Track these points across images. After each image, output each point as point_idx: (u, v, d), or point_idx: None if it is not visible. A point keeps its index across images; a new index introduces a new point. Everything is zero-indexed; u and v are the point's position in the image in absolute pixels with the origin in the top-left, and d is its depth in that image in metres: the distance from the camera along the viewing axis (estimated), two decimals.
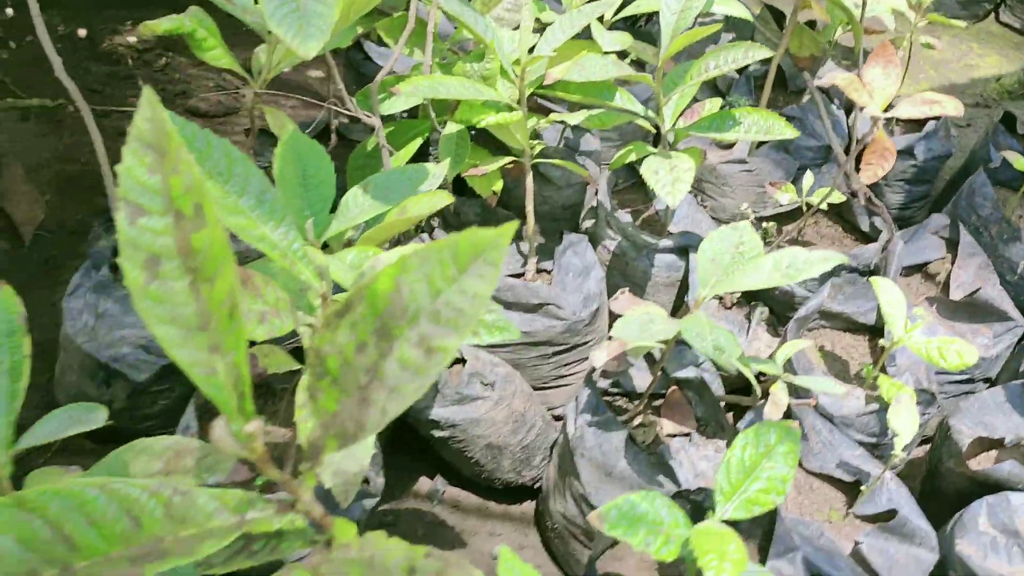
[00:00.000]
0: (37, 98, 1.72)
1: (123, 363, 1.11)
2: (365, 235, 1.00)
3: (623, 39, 1.27)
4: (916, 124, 1.71)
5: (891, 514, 1.04)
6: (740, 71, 1.76)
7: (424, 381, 0.54)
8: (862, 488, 1.05)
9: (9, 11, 1.89)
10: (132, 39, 1.89)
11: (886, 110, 1.11)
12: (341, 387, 0.56)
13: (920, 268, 1.43)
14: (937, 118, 1.65)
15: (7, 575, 0.53)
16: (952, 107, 1.08)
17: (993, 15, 2.63)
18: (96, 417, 0.71)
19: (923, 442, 1.35)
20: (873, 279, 1.14)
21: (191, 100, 1.83)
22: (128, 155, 0.52)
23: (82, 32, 1.89)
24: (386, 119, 1.30)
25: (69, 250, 1.50)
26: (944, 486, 1.18)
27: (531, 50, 1.23)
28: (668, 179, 1.18)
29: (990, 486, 1.10)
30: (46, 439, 0.71)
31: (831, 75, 1.10)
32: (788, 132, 1.17)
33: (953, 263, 1.38)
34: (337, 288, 0.92)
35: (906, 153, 1.61)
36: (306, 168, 1.05)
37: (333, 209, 1.05)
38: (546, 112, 1.47)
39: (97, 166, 1.67)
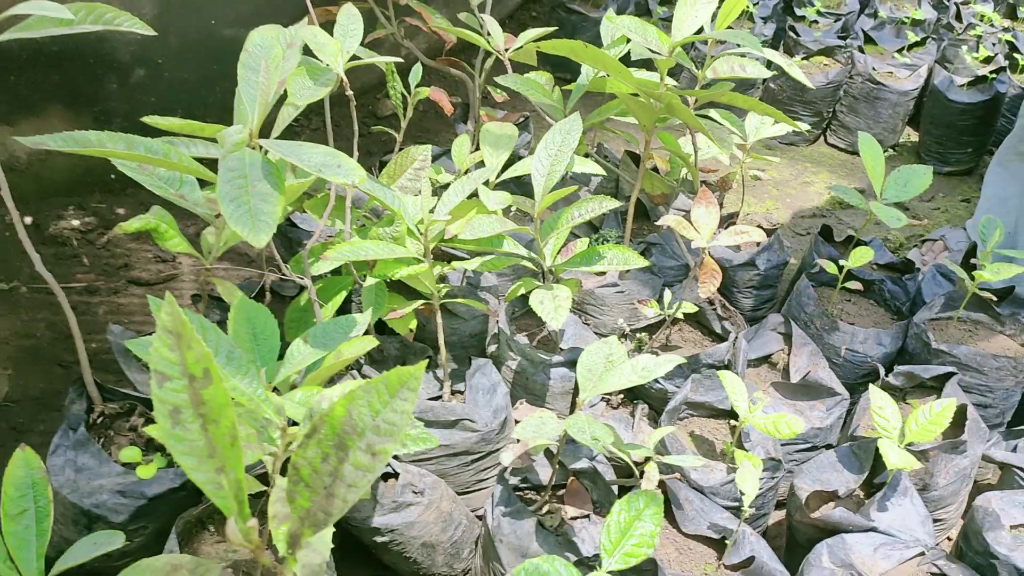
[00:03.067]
0: None
1: (104, 508, 1.29)
2: (308, 377, 1.23)
3: (504, 198, 1.57)
4: (755, 243, 2.06)
5: (751, 561, 1.29)
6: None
7: (372, 476, 0.79)
8: (727, 542, 1.31)
9: None
10: (75, 222, 2.11)
11: (710, 240, 1.44)
12: (312, 488, 0.80)
13: (765, 359, 1.73)
14: (771, 232, 2.00)
15: None
16: (757, 235, 1.40)
17: (823, 138, 3.10)
18: (115, 540, 0.91)
19: (781, 506, 1.62)
20: (720, 372, 1.42)
21: (133, 271, 2.05)
22: (156, 339, 0.77)
23: (28, 219, 2.10)
24: (315, 278, 1.55)
25: (34, 416, 1.67)
26: (797, 537, 1.44)
27: (432, 210, 1.51)
28: (551, 307, 1.46)
29: (830, 531, 1.37)
30: (76, 562, 0.90)
31: (665, 218, 1.42)
32: (640, 262, 1.48)
33: (789, 353, 1.69)
34: (290, 421, 1.14)
35: (749, 264, 1.95)
36: (254, 326, 1.29)
37: (280, 357, 1.28)
38: (449, 259, 1.76)
39: (51, 340, 1.87)
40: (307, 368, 1.32)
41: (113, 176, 2.25)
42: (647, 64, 2.07)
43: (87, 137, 1.20)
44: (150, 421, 1.44)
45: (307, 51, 1.48)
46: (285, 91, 1.38)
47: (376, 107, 2.79)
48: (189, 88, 2.20)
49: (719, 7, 1.75)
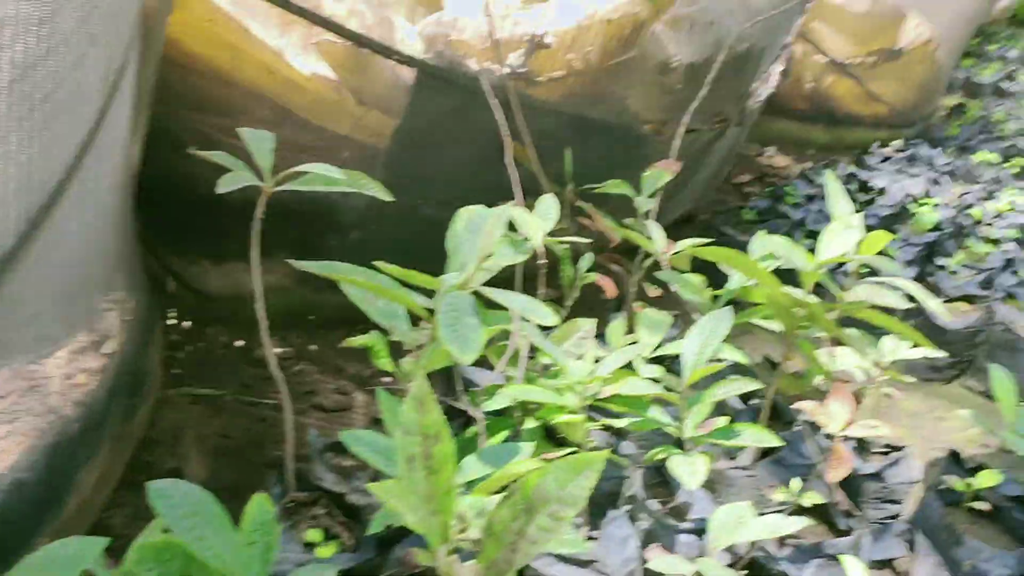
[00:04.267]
0: (205, 388, 2.25)
1: None
2: (478, 487, 1.43)
3: (657, 370, 1.79)
4: (883, 455, 2.16)
5: None
6: (744, 404, 2.26)
7: (552, 536, 0.97)
8: None
9: (187, 324, 2.50)
10: (276, 350, 2.46)
11: (843, 430, 1.59)
12: (500, 542, 0.99)
13: (888, 563, 1.79)
14: (900, 449, 2.10)
15: None
16: (886, 429, 1.55)
17: (958, 380, 3.17)
18: (329, 572, 1.11)
19: None
20: (841, 557, 1.52)
21: (316, 398, 2.35)
22: (407, 404, 1.01)
23: (240, 342, 2.47)
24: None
25: (224, 501, 1.92)
26: None
27: (590, 373, 1.74)
28: (689, 469, 1.63)
29: None
30: None
31: (802, 403, 1.59)
32: (775, 440, 1.64)
33: (913, 561, 1.75)
34: None
35: (876, 476, 2.04)
36: None
37: None
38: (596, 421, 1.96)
39: (246, 443, 2.16)
40: (472, 482, 1.53)
41: (311, 317, 2.62)
42: (785, 283, 2.30)
43: (336, 266, 1.53)
44: (330, 514, 1.66)
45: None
46: None
47: (525, 288, 3.12)
48: (390, 253, 2.57)
49: (864, 238, 1.99)
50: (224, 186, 1.51)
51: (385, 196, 1.73)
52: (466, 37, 2.44)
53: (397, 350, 1.85)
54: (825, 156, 5.84)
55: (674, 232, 4.13)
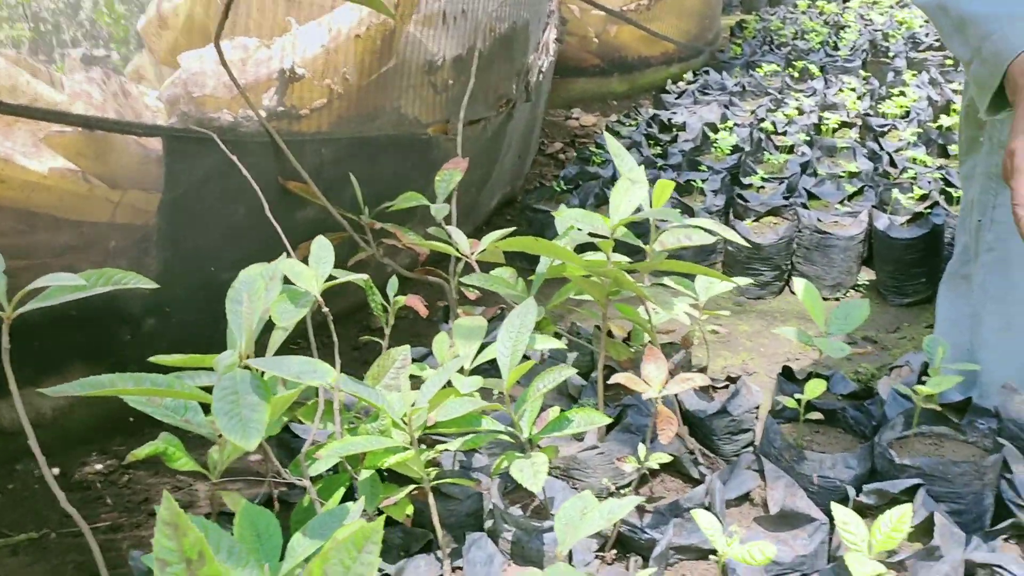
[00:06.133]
0: (23, 534, 2.05)
1: None
2: (309, 565, 1.35)
3: (475, 381, 1.75)
4: (725, 389, 2.21)
5: None
6: (586, 378, 2.26)
7: None
8: None
9: None
10: (99, 466, 2.28)
11: (660, 391, 1.59)
12: None
13: (745, 497, 1.83)
14: (736, 380, 2.15)
15: None
16: (700, 379, 1.56)
17: (788, 289, 3.30)
18: None
19: None
20: (693, 512, 1.53)
21: (153, 504, 2.19)
22: (158, 532, 0.92)
23: (55, 470, 2.27)
24: (315, 479, 1.70)
25: None
26: None
27: (414, 403, 1.68)
28: (530, 473, 1.59)
29: None
30: None
31: (616, 376, 1.58)
32: (603, 420, 1.62)
33: (766, 488, 1.79)
34: None
35: (722, 412, 2.08)
36: (258, 528, 1.42)
37: (282, 557, 1.41)
38: (432, 444, 1.90)
39: None
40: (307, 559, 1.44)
41: (132, 418, 2.44)
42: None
43: (100, 380, 1.41)
44: None
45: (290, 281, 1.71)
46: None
47: (369, 321, 3.03)
48: (195, 328, 2.44)
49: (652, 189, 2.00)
50: None
51: (148, 285, 1.58)
52: (209, 91, 2.31)
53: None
54: (626, 104, 5.98)
55: (496, 218, 4.14)
